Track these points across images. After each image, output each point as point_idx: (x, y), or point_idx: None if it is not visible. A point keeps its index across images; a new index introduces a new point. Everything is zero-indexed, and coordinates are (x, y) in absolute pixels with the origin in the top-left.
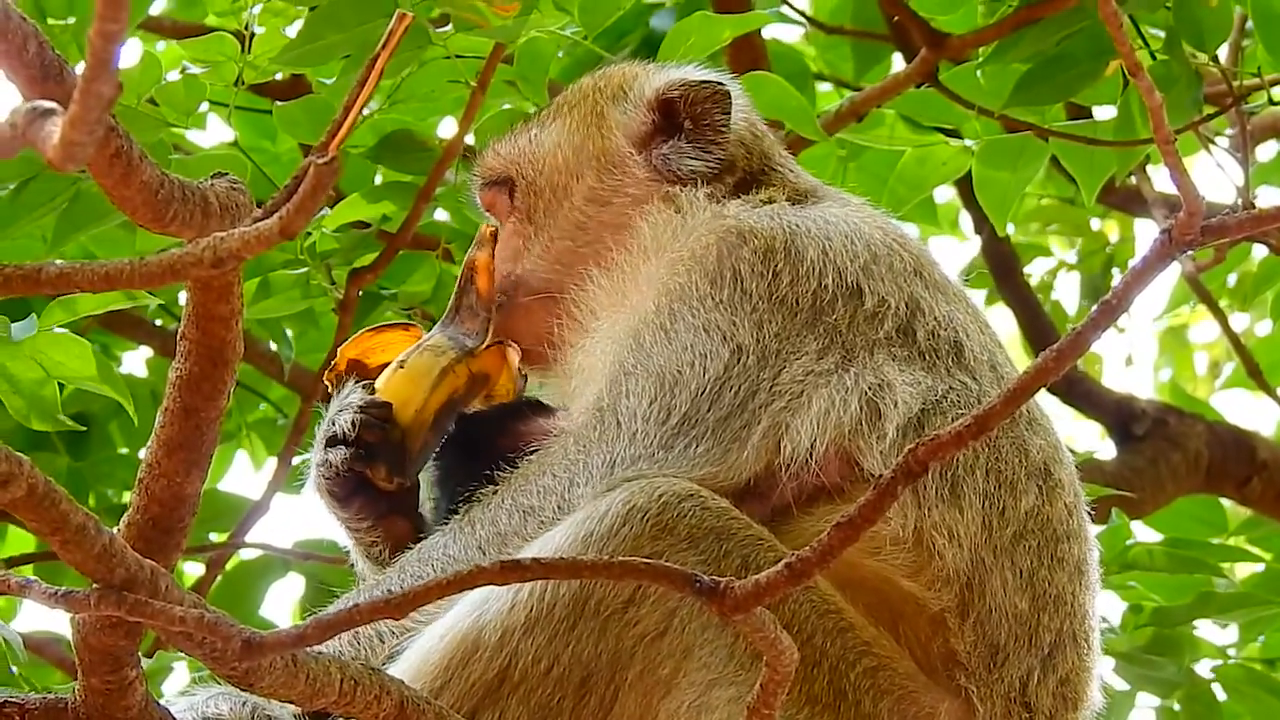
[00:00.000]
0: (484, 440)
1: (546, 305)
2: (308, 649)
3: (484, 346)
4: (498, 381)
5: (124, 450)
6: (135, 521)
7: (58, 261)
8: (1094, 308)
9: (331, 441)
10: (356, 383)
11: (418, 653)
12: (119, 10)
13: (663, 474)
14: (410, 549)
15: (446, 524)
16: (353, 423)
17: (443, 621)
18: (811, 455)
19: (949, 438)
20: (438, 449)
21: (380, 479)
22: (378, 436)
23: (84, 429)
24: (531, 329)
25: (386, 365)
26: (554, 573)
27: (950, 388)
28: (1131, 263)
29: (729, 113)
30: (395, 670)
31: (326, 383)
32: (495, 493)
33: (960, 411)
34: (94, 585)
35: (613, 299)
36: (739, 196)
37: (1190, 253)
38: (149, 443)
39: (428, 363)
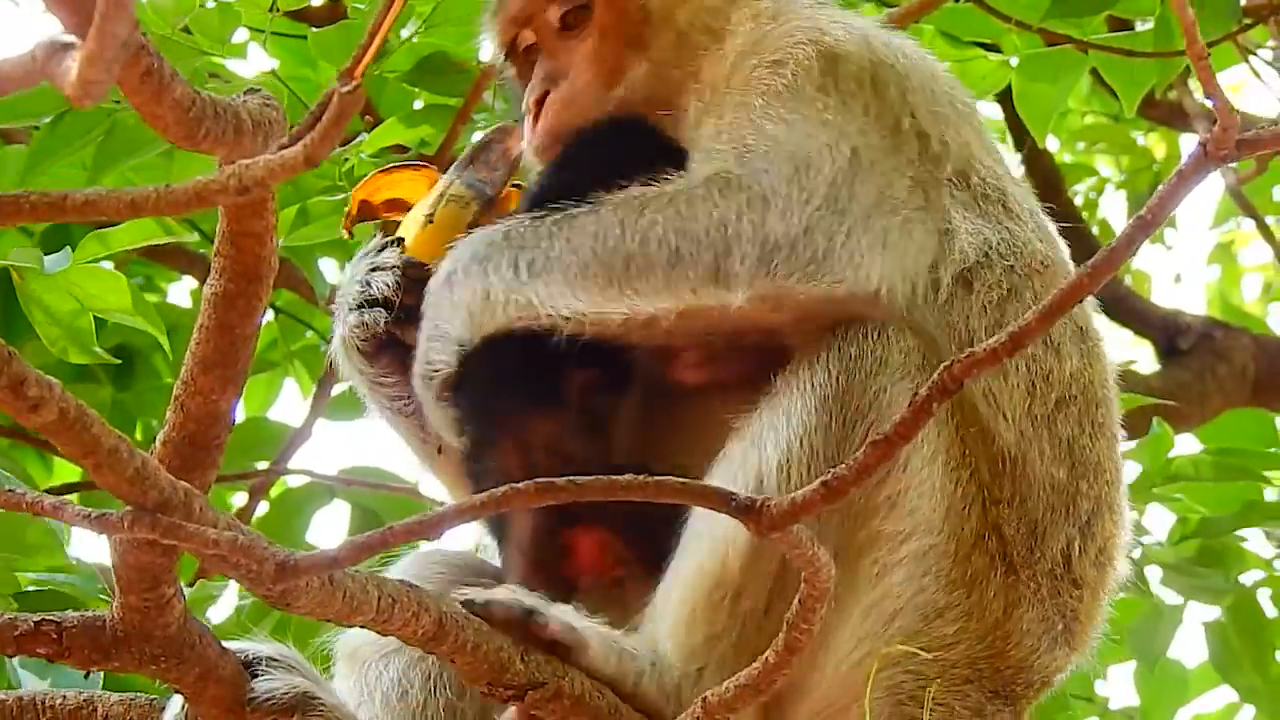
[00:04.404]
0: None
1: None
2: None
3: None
4: None
5: (169, 381)
6: (171, 439)
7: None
8: (1129, 222)
9: (370, 303)
10: (387, 240)
11: (713, 557)
12: None
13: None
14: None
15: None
16: (390, 284)
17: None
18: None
19: (985, 354)
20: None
21: (411, 339)
22: (416, 299)
23: (119, 361)
24: None
25: (394, 201)
26: (589, 492)
27: (1001, 238)
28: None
29: None
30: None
31: (343, 230)
32: (639, 203)
33: (1006, 263)
34: (128, 508)
35: (715, 101)
36: None
37: (1232, 165)
38: (185, 360)
39: (455, 215)
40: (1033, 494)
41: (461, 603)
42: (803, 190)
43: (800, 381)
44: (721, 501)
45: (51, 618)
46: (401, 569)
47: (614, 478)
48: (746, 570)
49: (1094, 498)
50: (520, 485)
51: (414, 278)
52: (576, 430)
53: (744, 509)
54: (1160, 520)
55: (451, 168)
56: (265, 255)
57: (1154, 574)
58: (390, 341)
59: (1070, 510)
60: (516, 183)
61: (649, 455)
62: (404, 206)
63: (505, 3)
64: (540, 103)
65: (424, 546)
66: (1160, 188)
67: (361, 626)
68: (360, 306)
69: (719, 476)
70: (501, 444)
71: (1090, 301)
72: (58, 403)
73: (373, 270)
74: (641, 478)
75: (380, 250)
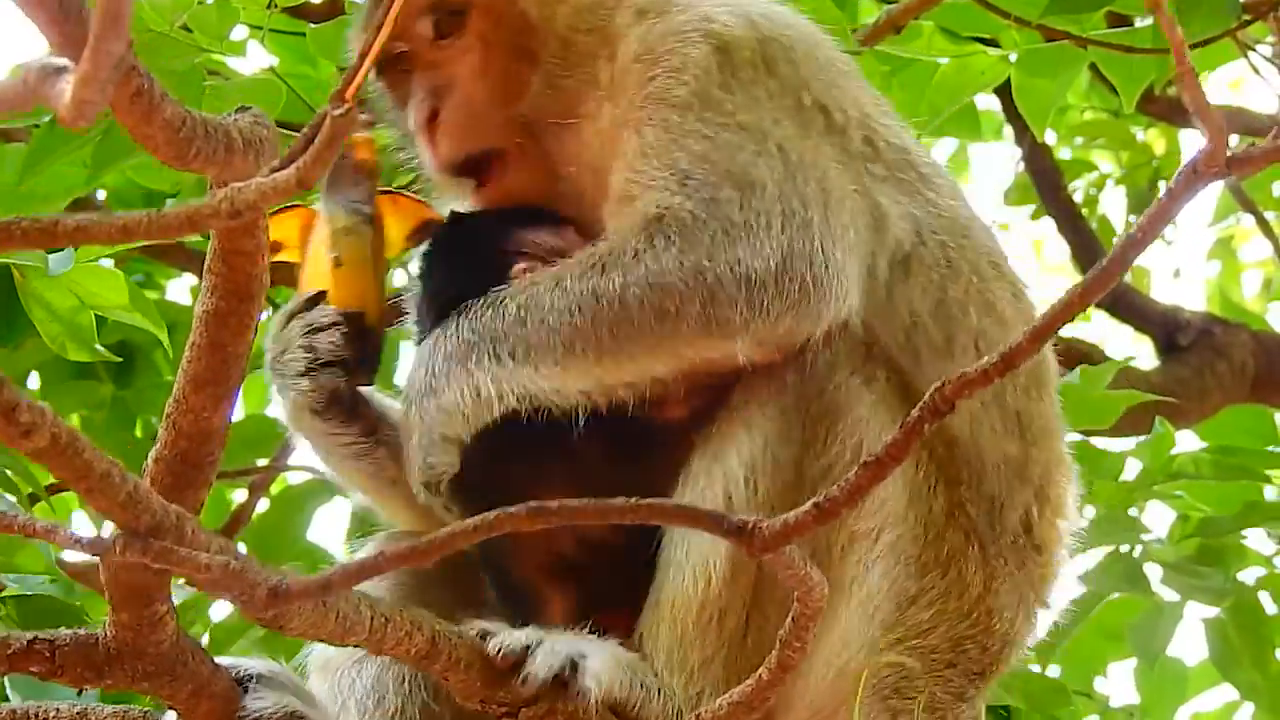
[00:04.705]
0: (482, 248)
1: (550, 138)
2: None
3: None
4: (388, 234)
5: (169, 378)
6: (163, 457)
7: (76, 215)
8: (1119, 242)
9: (322, 365)
10: (307, 296)
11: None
12: None
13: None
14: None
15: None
16: (338, 343)
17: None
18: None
19: (976, 375)
20: (431, 262)
21: (357, 384)
22: (358, 350)
23: (120, 359)
24: (542, 167)
25: (271, 244)
26: (582, 515)
27: (926, 213)
28: (1161, 191)
29: None
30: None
31: None
32: (601, 268)
33: (939, 239)
34: (119, 531)
35: (627, 114)
36: None
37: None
38: (177, 378)
39: (358, 247)
40: (987, 473)
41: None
42: (758, 214)
43: (757, 391)
44: (714, 524)
45: (44, 636)
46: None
47: (607, 501)
48: (728, 589)
49: (1044, 461)
50: (512, 509)
51: (358, 329)
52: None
53: (736, 531)
54: (1161, 517)
55: (320, 201)
56: (257, 273)
57: (1154, 572)
58: (336, 395)
59: (1023, 478)
60: (383, 189)
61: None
62: (280, 247)
63: (373, 15)
64: (432, 120)
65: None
66: (1152, 205)
67: (355, 646)
68: (309, 371)
69: (688, 494)
70: None
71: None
72: (49, 428)
73: (310, 331)
74: (634, 501)
75: (308, 308)
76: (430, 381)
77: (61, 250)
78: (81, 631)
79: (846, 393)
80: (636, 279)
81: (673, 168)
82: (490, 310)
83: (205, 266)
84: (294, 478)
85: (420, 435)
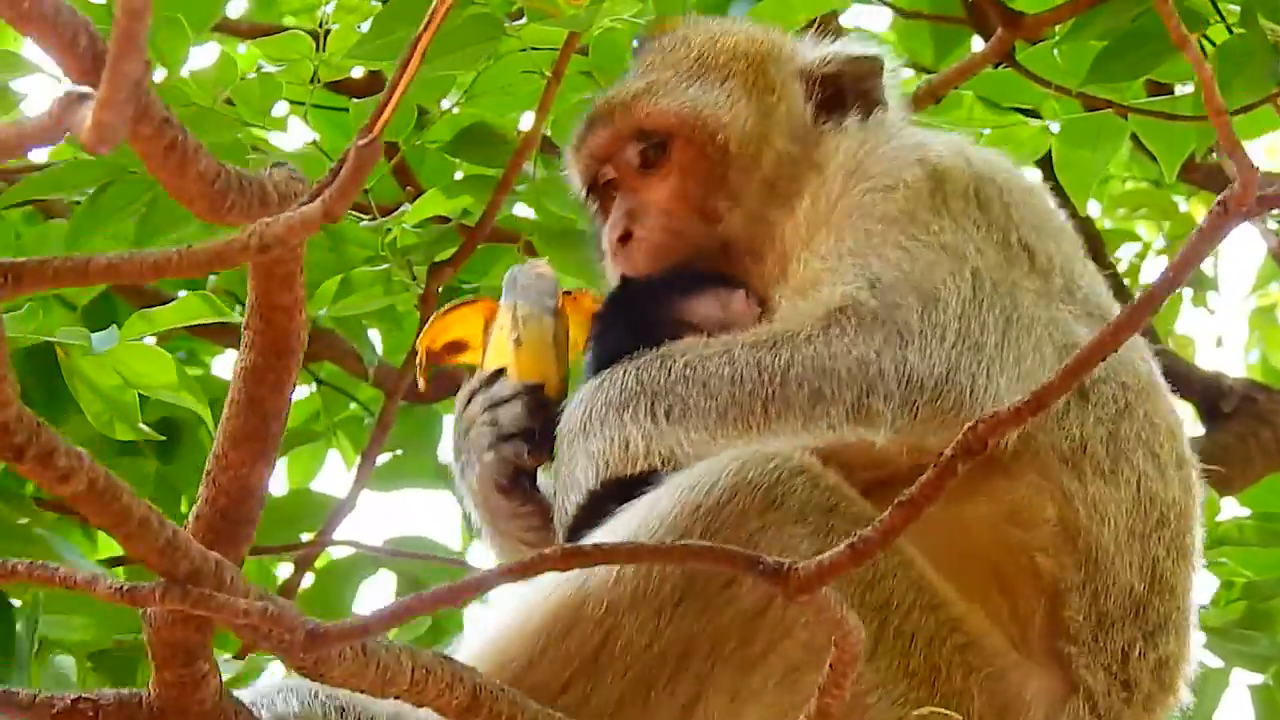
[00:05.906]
0: (648, 317)
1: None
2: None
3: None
4: (571, 334)
5: None
6: (203, 514)
7: (106, 254)
8: (1153, 282)
9: (505, 438)
10: (489, 374)
11: (517, 615)
12: None
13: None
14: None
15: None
16: (522, 415)
17: (542, 588)
18: None
19: (1007, 415)
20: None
21: (541, 463)
22: (543, 423)
23: (164, 438)
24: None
25: (454, 344)
26: (614, 558)
27: (1117, 358)
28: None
29: (880, 76)
30: (491, 629)
31: (419, 381)
32: (771, 344)
33: (1120, 379)
34: (159, 580)
35: (827, 218)
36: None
37: (1273, 228)
38: (216, 435)
39: (538, 331)
40: (1110, 593)
41: None
42: (935, 326)
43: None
44: (749, 566)
45: (88, 695)
46: None
47: (640, 543)
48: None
49: (1163, 613)
50: (547, 551)
51: (538, 401)
52: None
53: (772, 573)
54: (1206, 585)
55: (503, 297)
56: (294, 329)
57: (1198, 637)
58: (521, 471)
59: (1139, 616)
60: (565, 290)
61: None
62: (464, 347)
63: (585, 139)
64: (624, 240)
65: None
66: (1184, 245)
67: (395, 698)
68: (495, 444)
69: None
70: None
71: (1188, 435)
72: (87, 473)
73: (493, 406)
74: (668, 543)
75: (490, 384)
76: (586, 422)
77: (106, 329)
78: (125, 691)
79: (775, 536)
80: (802, 359)
81: (864, 269)
82: (658, 365)
83: (243, 323)
84: (338, 552)
85: (565, 472)
